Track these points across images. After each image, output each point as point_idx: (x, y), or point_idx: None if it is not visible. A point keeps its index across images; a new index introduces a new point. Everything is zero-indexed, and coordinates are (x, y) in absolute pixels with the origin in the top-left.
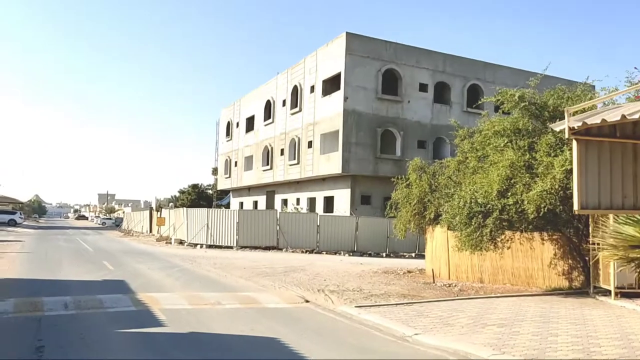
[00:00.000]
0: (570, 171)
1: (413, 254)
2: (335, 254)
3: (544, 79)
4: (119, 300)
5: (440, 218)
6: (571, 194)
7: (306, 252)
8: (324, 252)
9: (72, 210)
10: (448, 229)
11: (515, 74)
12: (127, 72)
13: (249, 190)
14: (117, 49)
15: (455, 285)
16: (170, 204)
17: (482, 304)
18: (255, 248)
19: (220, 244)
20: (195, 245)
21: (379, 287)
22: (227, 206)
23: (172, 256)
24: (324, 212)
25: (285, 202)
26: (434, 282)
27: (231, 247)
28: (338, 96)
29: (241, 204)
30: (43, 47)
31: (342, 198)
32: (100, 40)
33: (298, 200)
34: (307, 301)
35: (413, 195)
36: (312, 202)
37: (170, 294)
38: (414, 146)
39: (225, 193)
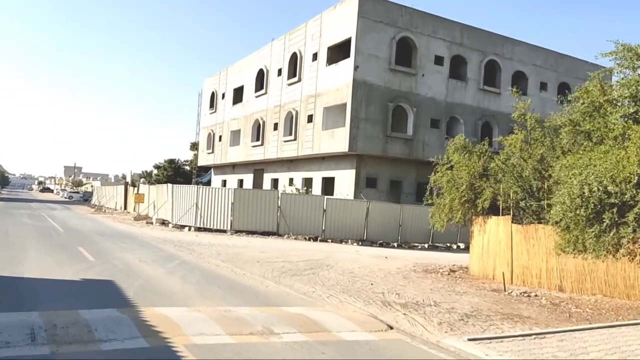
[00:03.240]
0: None
1: (426, 245)
2: (341, 242)
3: (559, 57)
4: (116, 324)
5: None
6: None
7: (310, 239)
8: (330, 240)
9: (36, 182)
10: (555, 224)
11: (533, 51)
12: (100, 40)
13: (234, 167)
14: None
15: (536, 295)
16: (142, 179)
17: None
18: (252, 233)
19: (211, 227)
20: (182, 227)
21: (450, 297)
22: (208, 184)
23: (161, 241)
24: (322, 194)
25: (275, 182)
26: (505, 290)
27: (224, 231)
28: (346, 65)
29: (224, 182)
30: (14, 12)
31: (345, 180)
32: (72, 6)
33: (291, 180)
34: (390, 327)
35: (461, 180)
36: (307, 182)
37: (190, 311)
38: (426, 125)
39: (205, 170)
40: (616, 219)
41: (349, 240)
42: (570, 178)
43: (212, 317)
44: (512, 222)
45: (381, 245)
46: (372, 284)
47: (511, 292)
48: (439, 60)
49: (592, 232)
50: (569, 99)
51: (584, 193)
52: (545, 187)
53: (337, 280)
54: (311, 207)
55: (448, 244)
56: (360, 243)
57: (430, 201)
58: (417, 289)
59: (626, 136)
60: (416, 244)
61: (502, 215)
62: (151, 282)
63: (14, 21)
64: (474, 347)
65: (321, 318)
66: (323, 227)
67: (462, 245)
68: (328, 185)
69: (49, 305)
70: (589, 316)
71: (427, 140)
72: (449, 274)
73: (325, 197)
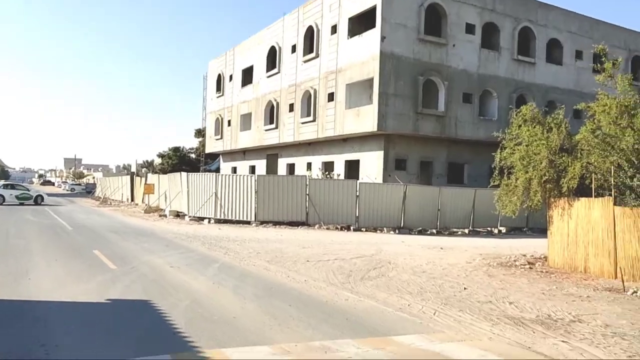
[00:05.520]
0: None
1: (466, 231)
2: (376, 230)
3: (595, 24)
4: None
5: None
6: None
7: (342, 229)
8: (364, 229)
9: (36, 175)
10: None
11: (568, 16)
12: (97, 28)
13: (245, 153)
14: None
15: None
16: (144, 169)
17: None
18: (278, 224)
19: (233, 218)
20: (201, 219)
21: (579, 305)
22: (217, 171)
23: (184, 237)
24: (345, 179)
25: (291, 167)
26: (625, 290)
27: (248, 223)
28: (372, 36)
29: (234, 169)
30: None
31: (372, 162)
32: None
33: (309, 164)
34: None
35: (539, 156)
36: (328, 166)
37: (276, 354)
38: (458, 100)
39: (213, 157)
40: None
41: (385, 229)
42: None
43: None
44: (614, 204)
45: (420, 232)
46: (465, 289)
47: (636, 292)
48: (470, 29)
49: None
50: None
51: None
52: None
53: (418, 284)
54: (343, 193)
55: (489, 229)
56: (397, 231)
57: (497, 182)
58: (523, 293)
59: None
60: (455, 230)
61: (595, 196)
62: (199, 301)
63: (5, 10)
64: None
65: (464, 358)
66: (357, 215)
67: (503, 230)
68: (352, 168)
69: (68, 354)
70: None
71: (460, 117)
72: (530, 268)
73: (358, 181)
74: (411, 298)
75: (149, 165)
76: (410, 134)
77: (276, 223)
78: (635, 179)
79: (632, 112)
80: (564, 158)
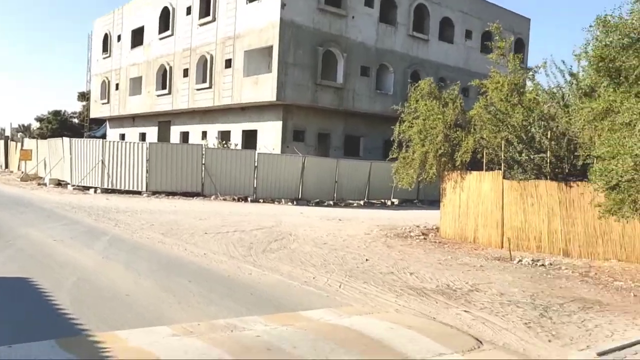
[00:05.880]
0: None
1: (362, 202)
2: (274, 202)
3: (485, 5)
4: None
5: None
6: None
7: (240, 200)
8: (262, 200)
9: None
10: (612, 189)
11: None
12: None
13: (134, 119)
14: None
15: (551, 264)
16: (19, 134)
17: None
18: (172, 194)
19: (122, 188)
20: (86, 189)
21: (474, 275)
22: (103, 138)
23: (68, 208)
24: (243, 148)
25: (185, 135)
26: (511, 259)
27: (139, 193)
28: (272, 2)
29: (122, 135)
30: None
31: (270, 132)
32: None
33: (205, 133)
34: (479, 342)
35: (436, 130)
36: (224, 136)
37: (178, 335)
38: (356, 73)
39: (99, 123)
40: None
41: (283, 200)
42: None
43: (219, 345)
44: (503, 177)
45: (317, 204)
46: (367, 260)
47: (521, 260)
48: (369, 2)
49: None
50: (598, 31)
51: None
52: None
53: (320, 255)
54: (241, 163)
55: (383, 201)
56: (295, 202)
57: (396, 155)
58: (422, 263)
59: None
60: (352, 202)
61: (486, 170)
62: (87, 278)
63: None
64: None
65: (375, 331)
66: (255, 186)
67: (395, 202)
68: (249, 138)
69: None
70: None
71: (357, 90)
72: (425, 239)
73: (257, 152)
74: (315, 271)
75: (25, 130)
76: (309, 105)
77: (169, 194)
78: (523, 154)
79: (522, 90)
80: (458, 133)
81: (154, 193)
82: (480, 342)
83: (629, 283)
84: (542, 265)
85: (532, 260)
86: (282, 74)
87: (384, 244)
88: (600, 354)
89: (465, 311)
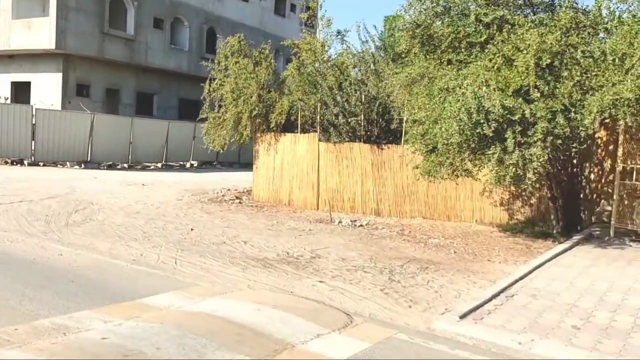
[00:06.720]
0: None
1: (159, 165)
2: (57, 165)
3: None
4: None
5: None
6: None
7: (14, 163)
8: (42, 164)
9: None
10: (431, 152)
11: None
12: None
13: None
14: None
15: (367, 223)
16: None
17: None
18: None
19: None
20: None
21: (305, 240)
22: None
23: None
24: (13, 103)
25: None
26: (332, 220)
27: None
28: None
29: None
30: None
31: (47, 86)
32: None
33: None
34: (349, 316)
35: (250, 90)
36: None
37: None
38: (149, 24)
39: None
40: (519, 139)
41: (68, 163)
42: (453, 90)
43: (54, 355)
44: (319, 140)
45: (110, 167)
46: (192, 230)
47: (341, 221)
48: None
49: (492, 154)
50: None
51: (481, 107)
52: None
53: (138, 227)
54: (14, 120)
55: (182, 163)
56: (83, 165)
57: (205, 116)
58: (250, 230)
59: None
60: (148, 164)
61: (301, 132)
62: None
63: None
64: (479, 329)
65: (242, 316)
66: (33, 148)
67: (195, 164)
68: (21, 92)
69: None
70: (472, 249)
71: (150, 43)
72: (240, 203)
73: (34, 107)
74: (140, 246)
75: None
76: (95, 57)
77: None
78: (340, 117)
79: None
80: (272, 93)
81: None
82: (350, 315)
83: (442, 240)
84: (361, 225)
85: (351, 221)
86: (61, 18)
87: (202, 210)
88: (462, 317)
89: (319, 282)
